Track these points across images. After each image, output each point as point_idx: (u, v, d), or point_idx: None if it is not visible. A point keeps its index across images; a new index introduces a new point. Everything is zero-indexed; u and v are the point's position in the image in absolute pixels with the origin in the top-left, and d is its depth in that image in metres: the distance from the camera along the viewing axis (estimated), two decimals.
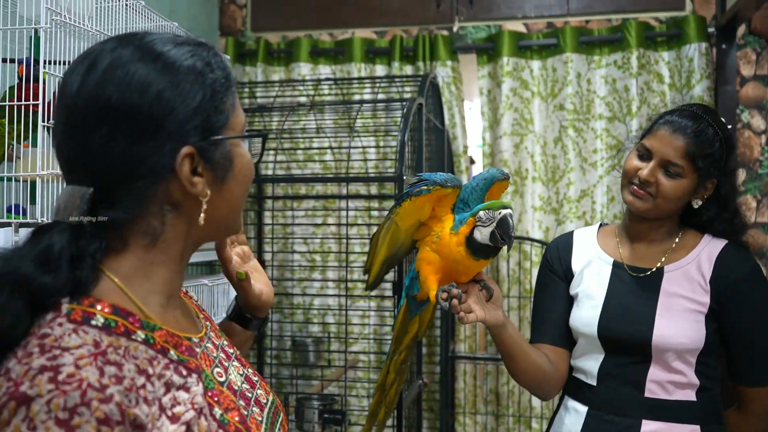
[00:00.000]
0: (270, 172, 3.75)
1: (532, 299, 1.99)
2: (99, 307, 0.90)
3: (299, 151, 3.80)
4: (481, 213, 1.46)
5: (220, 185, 0.99)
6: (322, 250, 3.72)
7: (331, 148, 3.65)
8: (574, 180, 3.52)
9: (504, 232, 1.46)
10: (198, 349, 1.00)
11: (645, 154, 1.75)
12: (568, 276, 1.93)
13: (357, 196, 3.52)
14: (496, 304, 1.64)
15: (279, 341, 3.69)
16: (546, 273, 1.96)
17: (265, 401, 1.11)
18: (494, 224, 1.45)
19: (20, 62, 1.66)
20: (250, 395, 1.07)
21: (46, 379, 0.77)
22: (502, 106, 3.58)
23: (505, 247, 1.50)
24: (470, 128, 4.06)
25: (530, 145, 3.59)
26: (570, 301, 1.94)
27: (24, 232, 1.60)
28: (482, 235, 1.47)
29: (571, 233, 1.98)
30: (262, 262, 3.69)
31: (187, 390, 0.91)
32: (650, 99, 3.43)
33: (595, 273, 1.87)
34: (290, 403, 2.89)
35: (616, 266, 1.84)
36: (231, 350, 1.13)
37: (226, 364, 1.06)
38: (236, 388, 1.04)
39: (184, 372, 0.92)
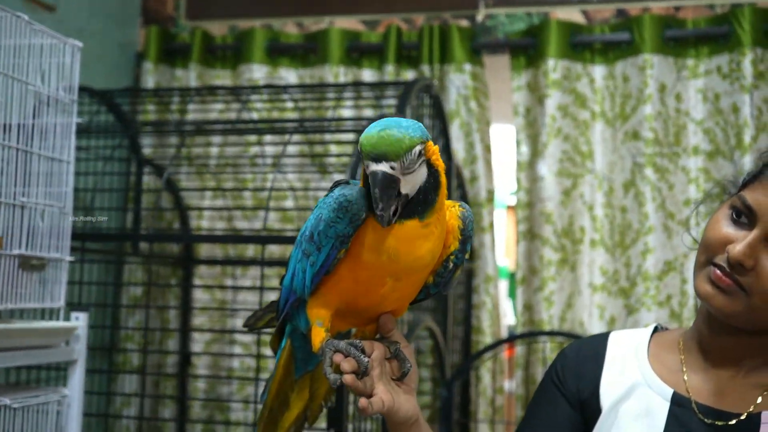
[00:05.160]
0: (205, 223, 3.01)
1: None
2: None
3: (247, 194, 3.01)
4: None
5: None
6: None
7: (292, 189, 2.90)
8: (653, 246, 2.92)
9: (373, 195, 1.10)
10: None
11: (744, 216, 1.37)
12: (588, 407, 1.54)
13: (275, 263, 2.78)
14: (410, 385, 1.27)
15: None
16: (549, 387, 1.60)
17: None
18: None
19: None
20: None
21: None
22: (546, 131, 3.04)
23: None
24: (499, 164, 3.58)
25: (588, 192, 3.04)
26: None
27: None
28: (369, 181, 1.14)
29: (604, 337, 1.60)
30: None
31: None
32: None
33: (639, 412, 1.49)
34: None
35: (678, 404, 1.46)
36: None
37: None
38: None
39: None
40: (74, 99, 1.81)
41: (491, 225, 3.00)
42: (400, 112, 2.19)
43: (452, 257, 1.26)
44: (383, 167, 1.08)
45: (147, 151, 2.80)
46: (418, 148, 1.11)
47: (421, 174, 1.15)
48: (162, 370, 2.93)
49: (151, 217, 2.83)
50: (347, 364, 1.13)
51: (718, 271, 1.35)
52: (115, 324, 2.74)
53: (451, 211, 1.24)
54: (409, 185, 1.13)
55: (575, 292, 2.97)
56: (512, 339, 2.81)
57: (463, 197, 2.89)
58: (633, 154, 2.98)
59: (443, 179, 1.19)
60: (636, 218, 2.91)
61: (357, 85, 2.81)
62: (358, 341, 1.17)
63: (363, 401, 1.15)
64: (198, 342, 2.96)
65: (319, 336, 1.20)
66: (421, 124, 1.14)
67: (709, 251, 1.38)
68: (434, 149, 1.16)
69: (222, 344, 3.00)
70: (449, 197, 2.66)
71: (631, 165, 2.97)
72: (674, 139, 2.95)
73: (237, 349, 2.92)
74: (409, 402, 1.27)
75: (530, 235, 2.89)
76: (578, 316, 2.95)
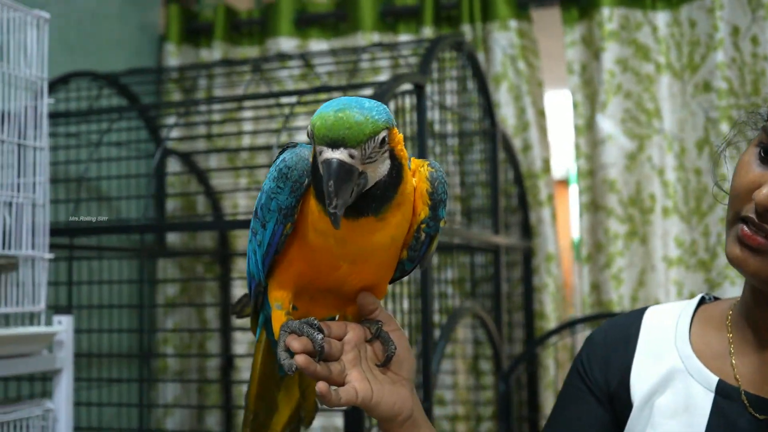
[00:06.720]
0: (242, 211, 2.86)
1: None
2: None
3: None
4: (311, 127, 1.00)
5: None
6: None
7: None
8: None
9: (326, 188, 0.98)
10: None
11: None
12: (618, 401, 1.32)
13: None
14: (400, 374, 1.12)
15: None
16: (574, 381, 1.39)
17: None
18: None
19: None
20: None
21: None
22: (605, 89, 2.84)
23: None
24: (556, 131, 3.42)
25: (657, 154, 2.85)
26: None
27: None
28: (321, 171, 1.01)
29: (639, 314, 1.37)
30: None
31: None
32: None
33: (678, 406, 1.28)
34: None
35: (725, 395, 1.25)
36: None
37: None
38: None
39: None
40: (44, 78, 1.64)
41: (550, 198, 2.82)
42: (423, 72, 2.01)
43: (423, 226, 1.14)
44: (340, 155, 0.97)
45: (174, 135, 2.65)
46: (382, 134, 1.00)
47: (383, 166, 1.04)
48: (203, 376, 2.82)
49: (181, 208, 2.69)
50: (297, 343, 1.00)
51: (746, 229, 1.17)
52: (152, 327, 2.60)
53: (419, 172, 1.10)
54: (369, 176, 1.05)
55: (647, 268, 2.77)
56: (574, 323, 2.58)
57: (515, 169, 2.72)
58: (705, 109, 2.76)
59: (407, 174, 1.07)
60: (712, 181, 2.60)
61: (382, 46, 2.67)
62: (313, 319, 1.05)
63: (321, 386, 1.01)
64: (241, 343, 2.81)
65: (278, 321, 1.09)
66: (386, 106, 1.03)
67: (737, 204, 1.20)
68: (399, 138, 1.06)
69: None
70: (495, 168, 2.45)
71: (703, 121, 2.75)
72: (752, 89, 2.69)
73: None
74: (396, 394, 1.11)
75: (593, 207, 2.68)
76: (652, 294, 2.74)
